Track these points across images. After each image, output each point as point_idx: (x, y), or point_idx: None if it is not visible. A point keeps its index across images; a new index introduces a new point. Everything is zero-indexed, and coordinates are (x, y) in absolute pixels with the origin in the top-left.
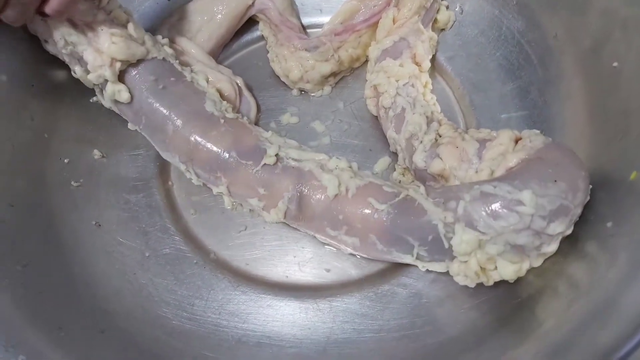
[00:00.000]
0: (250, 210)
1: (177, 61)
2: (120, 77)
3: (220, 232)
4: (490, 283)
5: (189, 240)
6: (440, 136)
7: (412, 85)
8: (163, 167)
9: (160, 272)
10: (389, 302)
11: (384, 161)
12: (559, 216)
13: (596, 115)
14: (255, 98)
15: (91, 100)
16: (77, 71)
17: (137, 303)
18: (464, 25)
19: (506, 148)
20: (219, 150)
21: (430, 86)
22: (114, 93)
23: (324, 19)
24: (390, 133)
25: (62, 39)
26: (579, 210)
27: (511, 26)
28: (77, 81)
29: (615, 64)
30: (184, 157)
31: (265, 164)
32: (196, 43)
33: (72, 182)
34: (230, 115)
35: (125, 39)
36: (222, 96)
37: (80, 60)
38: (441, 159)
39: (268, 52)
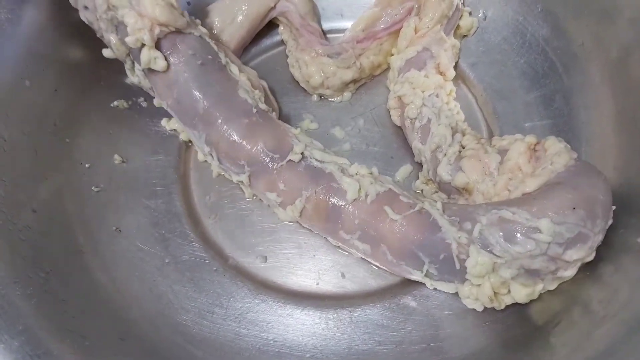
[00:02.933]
0: (267, 205)
1: (213, 42)
2: (157, 45)
3: (239, 238)
4: (502, 307)
5: (208, 246)
6: (463, 147)
7: (437, 95)
8: (183, 172)
9: (180, 279)
10: (411, 314)
11: (405, 169)
12: (577, 243)
13: (624, 126)
14: (277, 102)
15: (112, 105)
16: (113, 40)
17: (158, 310)
18: (487, 32)
19: (515, 162)
20: (247, 139)
21: (454, 94)
22: (150, 60)
23: (345, 23)
24: (416, 144)
25: (105, 2)
26: (600, 237)
27: (536, 33)
28: (99, 86)
29: None
30: (210, 139)
31: (290, 160)
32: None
33: (93, 187)
34: (262, 106)
35: (168, 3)
36: (252, 86)
37: (119, 26)
38: (464, 172)
39: (287, 57)
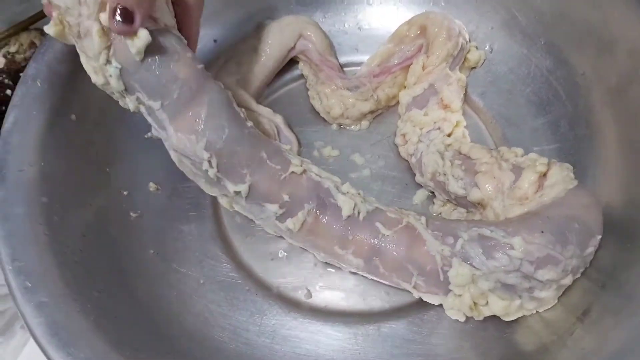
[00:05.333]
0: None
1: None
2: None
3: (266, 259)
4: (480, 317)
5: (239, 267)
6: (471, 159)
7: (438, 128)
8: (213, 197)
9: (215, 298)
10: (435, 328)
11: (422, 193)
12: (547, 264)
13: (626, 149)
14: (295, 134)
15: (146, 136)
16: (95, 29)
17: (196, 328)
18: (494, 63)
19: (525, 192)
20: (250, 147)
21: (463, 123)
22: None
23: (360, 57)
24: (418, 178)
25: None
26: (575, 262)
27: (539, 64)
28: (134, 118)
29: None
30: (211, 145)
31: (293, 172)
32: (243, 84)
33: (131, 213)
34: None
35: None
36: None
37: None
38: (479, 188)
39: (308, 89)
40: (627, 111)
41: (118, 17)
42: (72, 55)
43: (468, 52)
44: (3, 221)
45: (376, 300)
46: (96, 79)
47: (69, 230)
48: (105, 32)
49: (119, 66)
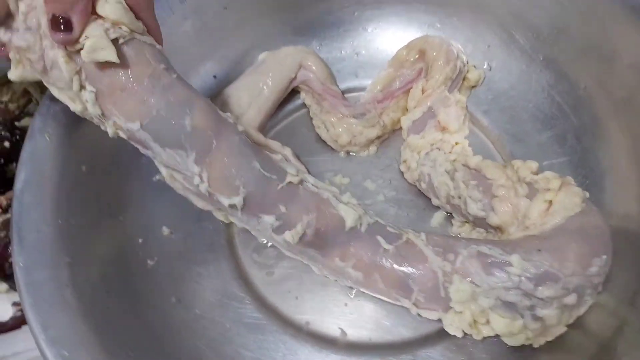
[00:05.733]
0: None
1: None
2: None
3: (290, 296)
4: (479, 337)
5: (264, 307)
6: (487, 178)
7: (438, 149)
8: (228, 236)
9: (244, 342)
10: (472, 353)
11: (439, 215)
12: (546, 281)
13: (636, 164)
14: (304, 164)
15: (154, 179)
16: (60, 56)
17: None
18: (494, 81)
19: (534, 222)
20: (242, 157)
21: (464, 142)
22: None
23: (360, 82)
24: (434, 201)
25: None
26: (575, 280)
27: (540, 80)
28: (141, 163)
29: None
30: (200, 159)
31: (290, 181)
32: (247, 118)
33: (148, 261)
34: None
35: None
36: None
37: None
38: (496, 214)
39: (311, 118)
40: (635, 121)
41: (55, 28)
42: None
43: (467, 72)
44: (28, 288)
45: (407, 329)
46: (74, 107)
47: (95, 289)
48: (71, 57)
49: (94, 89)
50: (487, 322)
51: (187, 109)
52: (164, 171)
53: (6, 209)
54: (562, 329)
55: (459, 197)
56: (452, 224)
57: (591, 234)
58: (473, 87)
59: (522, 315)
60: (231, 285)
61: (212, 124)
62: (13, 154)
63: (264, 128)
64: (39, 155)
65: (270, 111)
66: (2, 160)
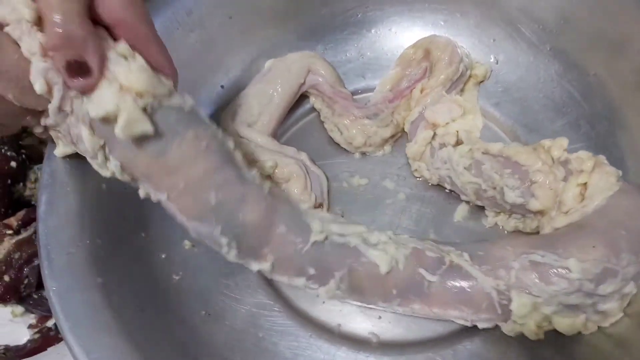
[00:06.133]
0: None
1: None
2: None
3: (319, 300)
4: (541, 337)
5: (294, 314)
6: (521, 164)
7: (445, 145)
8: None
9: (279, 351)
10: (510, 344)
11: (462, 209)
12: (607, 278)
13: None
14: (321, 168)
15: None
16: (84, 133)
17: None
18: (502, 74)
19: (569, 205)
20: (266, 225)
21: (465, 125)
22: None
23: (367, 83)
24: (463, 197)
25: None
26: (631, 269)
27: (548, 69)
28: None
29: None
30: (226, 231)
31: (315, 241)
32: (259, 126)
33: (174, 276)
34: (268, 184)
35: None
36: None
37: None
38: (537, 200)
39: (323, 122)
40: None
41: (73, 75)
42: None
43: (472, 70)
44: (65, 312)
45: (441, 325)
46: (105, 173)
47: (130, 308)
48: (95, 132)
49: (118, 162)
50: (550, 324)
51: (214, 181)
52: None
53: (18, 231)
54: (619, 315)
55: (494, 189)
56: (486, 215)
57: (637, 216)
58: (481, 82)
59: (585, 312)
60: (259, 294)
61: (236, 192)
62: (20, 175)
63: (275, 135)
64: (59, 177)
65: (281, 117)
66: (9, 181)
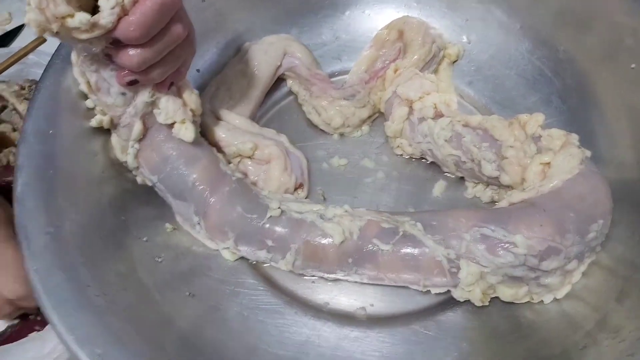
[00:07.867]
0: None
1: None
2: None
3: (307, 280)
4: (486, 302)
5: (278, 291)
6: (496, 139)
7: (424, 118)
8: None
9: (264, 328)
10: (490, 313)
11: (440, 185)
12: (550, 255)
13: (628, 111)
14: (300, 150)
15: None
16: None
17: None
18: (474, 53)
19: (532, 181)
20: (229, 205)
21: (443, 96)
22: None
23: (342, 65)
24: (444, 169)
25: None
26: (575, 248)
27: (519, 47)
28: None
29: (633, 65)
30: (198, 209)
31: (270, 216)
32: (237, 109)
33: (156, 259)
34: (238, 174)
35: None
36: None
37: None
38: (507, 175)
39: (301, 105)
40: (620, 77)
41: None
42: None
43: (445, 50)
44: (46, 291)
45: (424, 297)
46: (120, 156)
47: (112, 287)
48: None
49: (137, 147)
50: (494, 292)
51: (191, 167)
52: (179, 219)
53: None
54: (568, 288)
55: (472, 161)
56: (466, 187)
57: (588, 200)
58: (454, 61)
59: (527, 284)
60: (243, 274)
61: (211, 179)
62: None
63: (254, 117)
64: (35, 158)
65: (259, 100)
66: None
